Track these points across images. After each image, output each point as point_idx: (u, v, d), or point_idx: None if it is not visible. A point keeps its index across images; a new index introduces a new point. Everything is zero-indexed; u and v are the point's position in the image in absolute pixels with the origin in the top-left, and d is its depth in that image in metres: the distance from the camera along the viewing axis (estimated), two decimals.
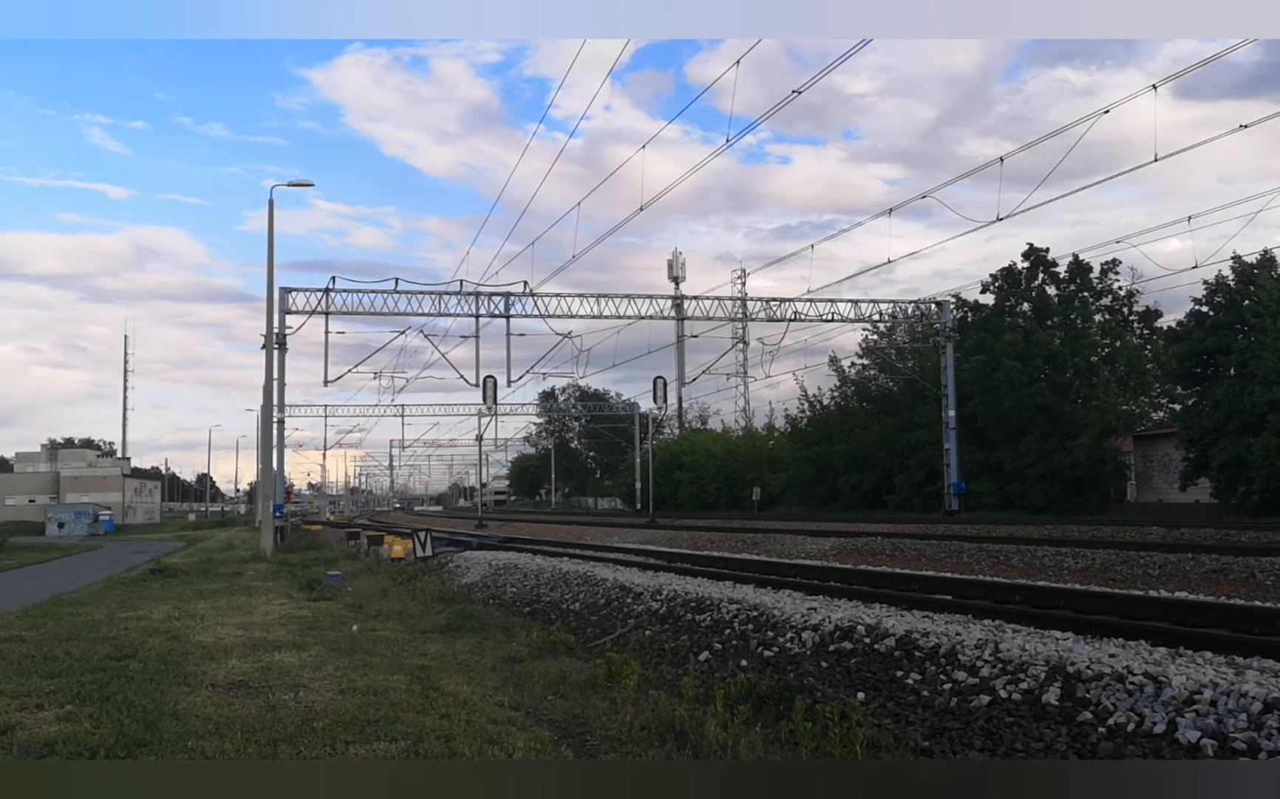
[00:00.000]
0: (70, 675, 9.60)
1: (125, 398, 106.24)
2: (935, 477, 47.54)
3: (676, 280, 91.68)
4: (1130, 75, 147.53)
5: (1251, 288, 35.59)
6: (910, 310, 49.33)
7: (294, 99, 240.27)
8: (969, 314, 50.39)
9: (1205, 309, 37.04)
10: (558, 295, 44.65)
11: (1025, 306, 48.41)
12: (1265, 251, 36.73)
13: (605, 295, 45.31)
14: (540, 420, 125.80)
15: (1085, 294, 48.00)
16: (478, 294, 43.85)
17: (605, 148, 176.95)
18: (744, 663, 10.43)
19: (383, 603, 16.88)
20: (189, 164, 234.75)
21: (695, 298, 47.94)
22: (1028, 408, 44.42)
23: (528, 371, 51.45)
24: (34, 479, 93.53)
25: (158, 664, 10.27)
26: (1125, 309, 48.81)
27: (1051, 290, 48.14)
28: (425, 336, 47.65)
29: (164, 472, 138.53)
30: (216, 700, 8.51)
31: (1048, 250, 47.98)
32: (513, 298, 43.67)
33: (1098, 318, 48.15)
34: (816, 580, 15.41)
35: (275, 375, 37.74)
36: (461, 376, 45.99)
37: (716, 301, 48.14)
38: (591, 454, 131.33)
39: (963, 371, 46.16)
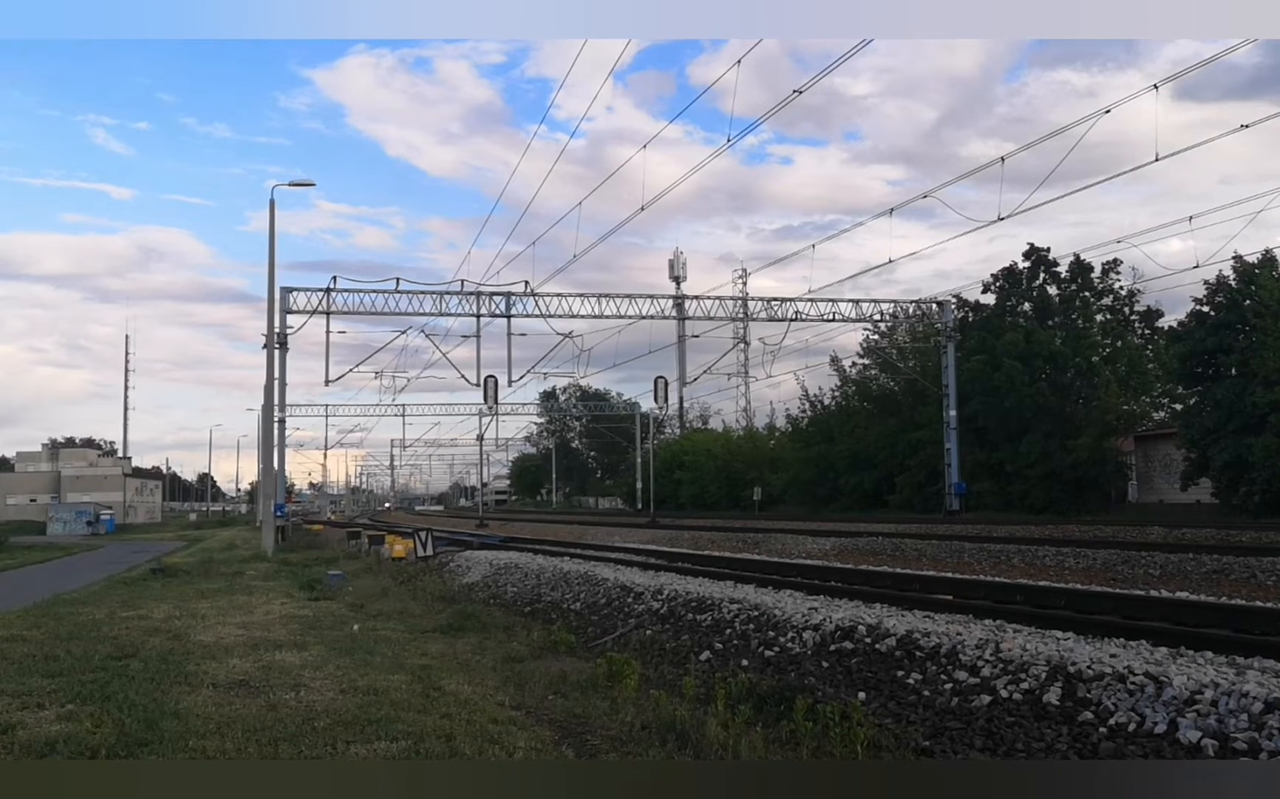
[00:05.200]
0: (71, 675, 9.61)
1: (126, 397, 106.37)
2: (936, 476, 47.54)
3: (678, 280, 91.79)
4: (1131, 77, 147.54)
5: (1253, 288, 35.54)
6: (911, 310, 49.30)
7: (297, 100, 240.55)
8: (970, 314, 50.32)
9: (1206, 309, 36.97)
10: (559, 295, 44.69)
11: (1026, 306, 48.33)
12: (1266, 251, 36.71)
13: (606, 295, 45.30)
14: (541, 420, 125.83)
15: (1086, 294, 47.93)
16: (479, 294, 43.84)
17: (607, 148, 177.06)
18: (745, 663, 10.42)
19: (384, 602, 16.88)
20: (192, 164, 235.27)
21: (696, 298, 47.90)
22: (1029, 408, 44.37)
23: (529, 371, 51.63)
24: (35, 478, 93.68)
25: (159, 663, 10.28)
26: (1126, 309, 48.75)
27: (1053, 290, 48.07)
28: (426, 336, 47.70)
29: (165, 471, 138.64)
30: (217, 700, 8.51)
31: (1049, 250, 47.95)
32: (514, 297, 43.66)
33: (1099, 318, 48.08)
34: (817, 580, 15.41)
35: (276, 375, 37.78)
36: (463, 376, 46.04)
37: (718, 301, 48.08)
38: (592, 454, 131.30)
39: (964, 371, 46.13)
